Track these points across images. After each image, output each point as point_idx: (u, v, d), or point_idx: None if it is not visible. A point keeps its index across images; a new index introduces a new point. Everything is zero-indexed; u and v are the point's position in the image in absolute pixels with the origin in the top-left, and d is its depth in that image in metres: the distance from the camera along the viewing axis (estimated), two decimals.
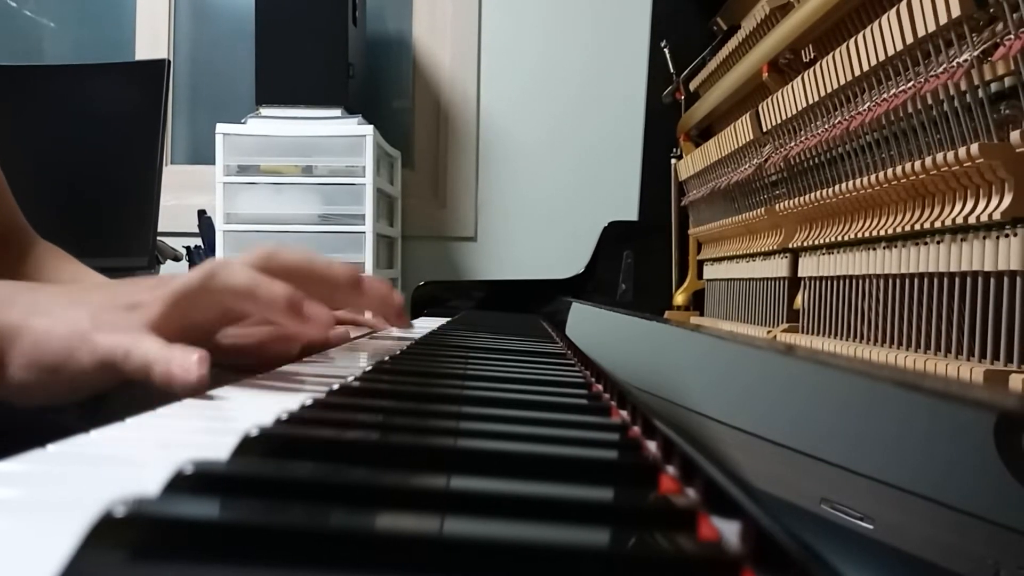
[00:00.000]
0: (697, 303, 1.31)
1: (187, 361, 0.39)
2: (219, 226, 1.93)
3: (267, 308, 0.42)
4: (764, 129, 0.93)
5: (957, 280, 0.57)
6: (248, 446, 0.25)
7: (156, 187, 1.88)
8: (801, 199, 0.84)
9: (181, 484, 0.21)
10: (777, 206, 0.91)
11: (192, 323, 0.43)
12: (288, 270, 0.46)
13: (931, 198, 0.61)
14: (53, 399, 0.42)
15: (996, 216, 0.52)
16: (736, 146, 1.02)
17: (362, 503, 0.21)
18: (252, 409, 0.38)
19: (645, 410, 0.34)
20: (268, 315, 0.43)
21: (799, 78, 0.82)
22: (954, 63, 0.56)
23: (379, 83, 2.37)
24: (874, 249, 0.69)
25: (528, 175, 2.34)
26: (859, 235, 0.71)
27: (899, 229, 0.64)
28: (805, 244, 0.85)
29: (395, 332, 0.84)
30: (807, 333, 0.82)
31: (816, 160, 0.83)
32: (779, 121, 0.88)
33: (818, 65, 0.77)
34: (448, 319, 1.19)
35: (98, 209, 1.93)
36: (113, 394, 0.43)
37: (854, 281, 0.72)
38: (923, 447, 0.20)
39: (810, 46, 0.91)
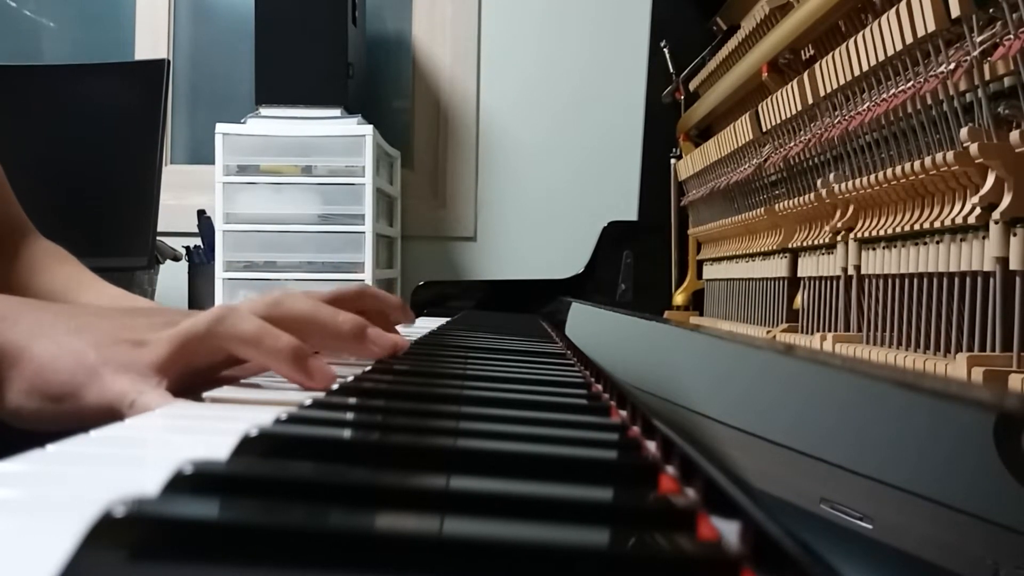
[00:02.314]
0: (697, 303, 1.31)
1: None
2: (219, 226, 1.92)
3: (271, 358, 0.43)
4: (764, 129, 0.93)
5: (956, 280, 0.57)
6: (247, 446, 0.25)
7: (156, 187, 1.88)
8: (800, 199, 0.84)
9: (180, 484, 0.21)
10: (776, 206, 0.91)
11: (196, 366, 0.44)
12: (294, 318, 0.46)
13: (931, 198, 0.61)
14: (49, 425, 0.42)
15: (995, 216, 0.52)
16: (736, 146, 1.02)
17: (361, 503, 0.21)
18: (251, 409, 0.38)
19: (645, 410, 0.34)
20: (271, 366, 0.44)
21: (798, 78, 0.82)
22: (953, 63, 0.56)
23: (379, 83, 2.37)
24: (874, 249, 0.69)
25: (528, 175, 2.33)
26: (859, 235, 0.71)
27: (899, 229, 0.64)
28: (804, 244, 0.85)
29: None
30: (806, 333, 0.82)
31: (815, 160, 0.83)
32: (779, 121, 0.88)
33: (817, 65, 0.77)
34: (448, 319, 1.19)
35: (97, 209, 1.92)
36: None
37: (853, 281, 0.72)
38: (922, 447, 0.20)
39: (809, 46, 0.91)
